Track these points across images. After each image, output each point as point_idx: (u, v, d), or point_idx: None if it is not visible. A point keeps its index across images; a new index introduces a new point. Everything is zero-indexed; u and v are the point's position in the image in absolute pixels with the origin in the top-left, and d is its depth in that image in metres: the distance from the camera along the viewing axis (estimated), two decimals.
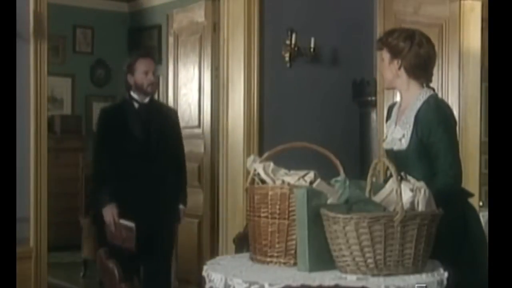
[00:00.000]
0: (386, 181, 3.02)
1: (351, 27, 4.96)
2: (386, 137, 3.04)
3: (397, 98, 4.22)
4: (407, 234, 2.37)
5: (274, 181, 2.63)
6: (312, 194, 2.45)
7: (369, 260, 2.36)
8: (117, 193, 4.08)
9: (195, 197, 4.96)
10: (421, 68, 2.91)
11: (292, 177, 2.60)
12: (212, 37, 4.80)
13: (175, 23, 5.20)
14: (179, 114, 5.13)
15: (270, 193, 2.58)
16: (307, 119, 4.83)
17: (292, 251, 2.56)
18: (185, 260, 5.04)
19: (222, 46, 4.73)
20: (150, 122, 4.18)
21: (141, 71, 4.13)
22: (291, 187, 2.55)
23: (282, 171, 2.66)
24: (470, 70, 4.65)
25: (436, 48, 4.42)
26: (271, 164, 2.68)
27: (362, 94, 4.84)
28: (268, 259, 2.59)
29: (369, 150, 4.82)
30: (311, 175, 2.59)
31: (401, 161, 2.80)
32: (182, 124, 5.11)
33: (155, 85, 4.26)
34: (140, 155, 4.13)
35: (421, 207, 2.43)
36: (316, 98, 4.85)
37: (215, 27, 4.79)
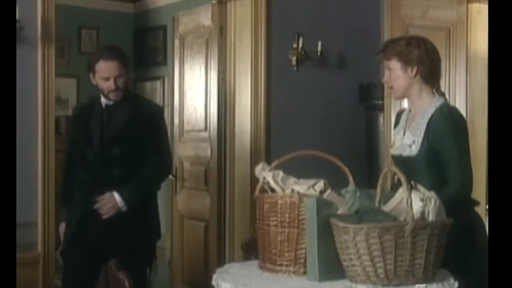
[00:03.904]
0: (393, 187, 3.03)
1: (358, 30, 4.95)
2: (394, 143, 3.04)
3: (405, 103, 4.23)
4: (417, 244, 2.36)
5: (283, 190, 2.62)
6: (322, 204, 2.44)
7: (380, 270, 2.36)
8: (73, 209, 3.61)
9: (202, 200, 4.96)
10: (435, 74, 2.92)
11: (301, 186, 2.59)
12: (219, 41, 4.78)
13: (181, 25, 5.19)
14: (185, 117, 5.15)
15: (279, 202, 2.58)
16: (314, 122, 4.83)
17: (302, 260, 2.56)
18: (191, 264, 5.05)
19: (229, 49, 4.72)
20: (112, 125, 3.57)
21: (100, 76, 3.52)
22: (301, 196, 2.54)
23: (292, 179, 2.66)
24: (477, 73, 4.63)
25: (444, 51, 4.44)
26: (281, 173, 2.67)
27: (369, 98, 4.83)
28: (278, 268, 2.59)
29: (376, 154, 4.81)
30: (321, 184, 2.58)
31: (409, 168, 2.80)
32: (188, 127, 5.13)
33: (120, 91, 3.54)
34: (96, 165, 3.56)
35: (431, 217, 2.42)
36: (323, 102, 4.85)
37: (222, 31, 4.77)
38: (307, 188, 2.57)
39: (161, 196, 6.74)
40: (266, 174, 2.67)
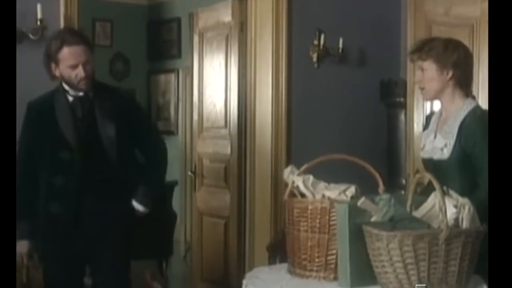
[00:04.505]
0: (422, 190, 2.99)
1: (379, 27, 4.91)
2: (424, 146, 3.01)
3: (428, 103, 4.20)
4: (451, 251, 2.33)
5: (314, 195, 2.60)
6: (354, 210, 2.42)
7: (413, 278, 2.33)
8: (47, 223, 3.19)
9: (222, 198, 4.94)
10: (470, 78, 2.89)
11: (332, 191, 2.57)
12: (239, 37, 4.75)
13: (201, 21, 5.15)
14: (204, 113, 5.12)
15: (310, 207, 2.56)
16: (334, 119, 4.81)
17: (332, 265, 2.54)
18: (211, 261, 5.04)
19: (249, 46, 4.69)
20: (89, 120, 3.18)
21: (67, 64, 3.10)
22: (332, 201, 2.52)
23: (322, 184, 2.63)
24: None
25: None
26: (311, 177, 2.64)
27: (390, 95, 4.79)
28: (308, 273, 2.58)
29: (397, 152, 4.78)
30: (352, 189, 2.56)
31: (440, 171, 2.77)
32: (207, 124, 5.10)
33: (89, 78, 3.15)
34: (77, 168, 3.15)
35: (465, 224, 2.39)
36: (344, 99, 4.82)
37: (242, 27, 4.74)
38: (338, 193, 2.55)
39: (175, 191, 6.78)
40: (296, 178, 2.64)
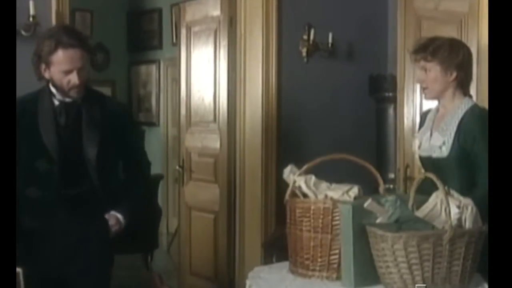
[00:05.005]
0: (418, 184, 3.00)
1: (368, 22, 4.93)
2: (421, 144, 3.02)
3: (417, 97, 4.22)
4: (455, 252, 2.36)
5: (316, 195, 2.60)
6: (357, 210, 2.43)
7: (417, 278, 2.36)
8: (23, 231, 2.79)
9: (211, 192, 4.93)
10: (471, 78, 2.92)
11: (335, 192, 2.57)
12: (228, 32, 4.71)
13: (188, 15, 5.10)
14: (192, 108, 5.08)
15: (312, 207, 2.56)
16: (324, 114, 4.82)
17: (335, 265, 2.55)
18: (199, 255, 5.04)
19: (239, 41, 4.66)
20: (73, 128, 2.92)
21: (60, 69, 2.83)
22: (335, 201, 2.53)
23: (324, 184, 2.64)
24: (487, 66, 4.62)
25: None
26: (313, 177, 2.65)
27: (379, 90, 4.82)
28: (310, 273, 2.59)
29: (386, 146, 4.81)
30: (355, 190, 2.57)
31: (438, 169, 2.79)
32: (195, 118, 5.07)
33: (83, 86, 2.89)
34: (55, 180, 2.90)
35: (468, 224, 2.42)
36: (333, 93, 4.83)
37: (232, 22, 4.71)
38: (342, 194, 2.55)
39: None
40: (297, 178, 2.64)
